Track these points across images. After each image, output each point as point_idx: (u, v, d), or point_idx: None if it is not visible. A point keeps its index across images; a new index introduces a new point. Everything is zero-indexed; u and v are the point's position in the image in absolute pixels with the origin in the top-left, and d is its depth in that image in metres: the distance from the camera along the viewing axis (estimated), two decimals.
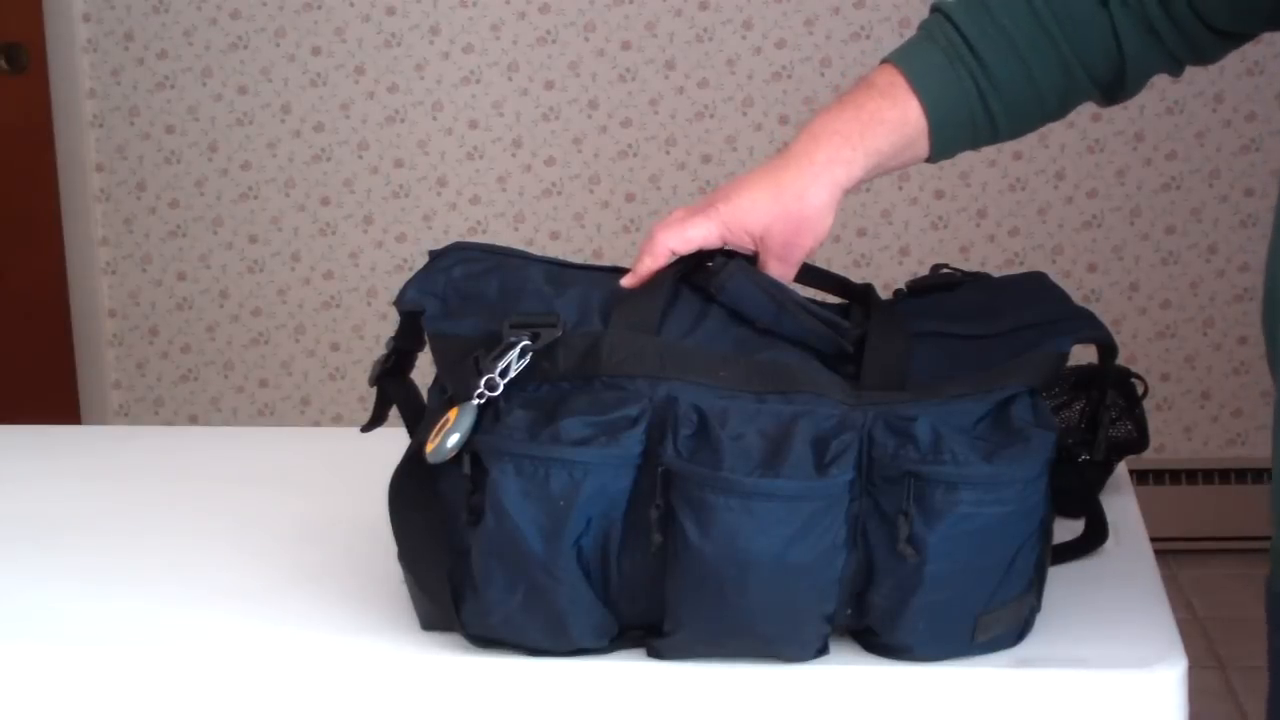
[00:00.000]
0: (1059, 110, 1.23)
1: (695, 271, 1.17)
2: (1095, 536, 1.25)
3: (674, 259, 1.16)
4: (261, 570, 1.29)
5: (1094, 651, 1.11)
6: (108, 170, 3.48)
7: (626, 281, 1.16)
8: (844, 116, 1.17)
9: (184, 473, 1.53)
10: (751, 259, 1.19)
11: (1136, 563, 1.25)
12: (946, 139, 1.19)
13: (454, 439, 1.07)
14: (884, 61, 1.20)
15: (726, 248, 1.18)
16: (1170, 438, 3.44)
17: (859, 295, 1.20)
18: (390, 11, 3.38)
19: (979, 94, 1.18)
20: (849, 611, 1.09)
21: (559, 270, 1.17)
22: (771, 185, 1.17)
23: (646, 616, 1.10)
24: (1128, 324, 3.40)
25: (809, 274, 1.23)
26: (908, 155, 1.19)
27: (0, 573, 1.30)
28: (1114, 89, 1.22)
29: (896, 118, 1.17)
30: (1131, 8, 1.18)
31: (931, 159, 1.21)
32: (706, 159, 3.39)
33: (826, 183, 1.16)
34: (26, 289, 3.53)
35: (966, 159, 3.35)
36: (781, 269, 1.18)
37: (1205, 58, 1.21)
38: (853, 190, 1.18)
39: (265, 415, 3.57)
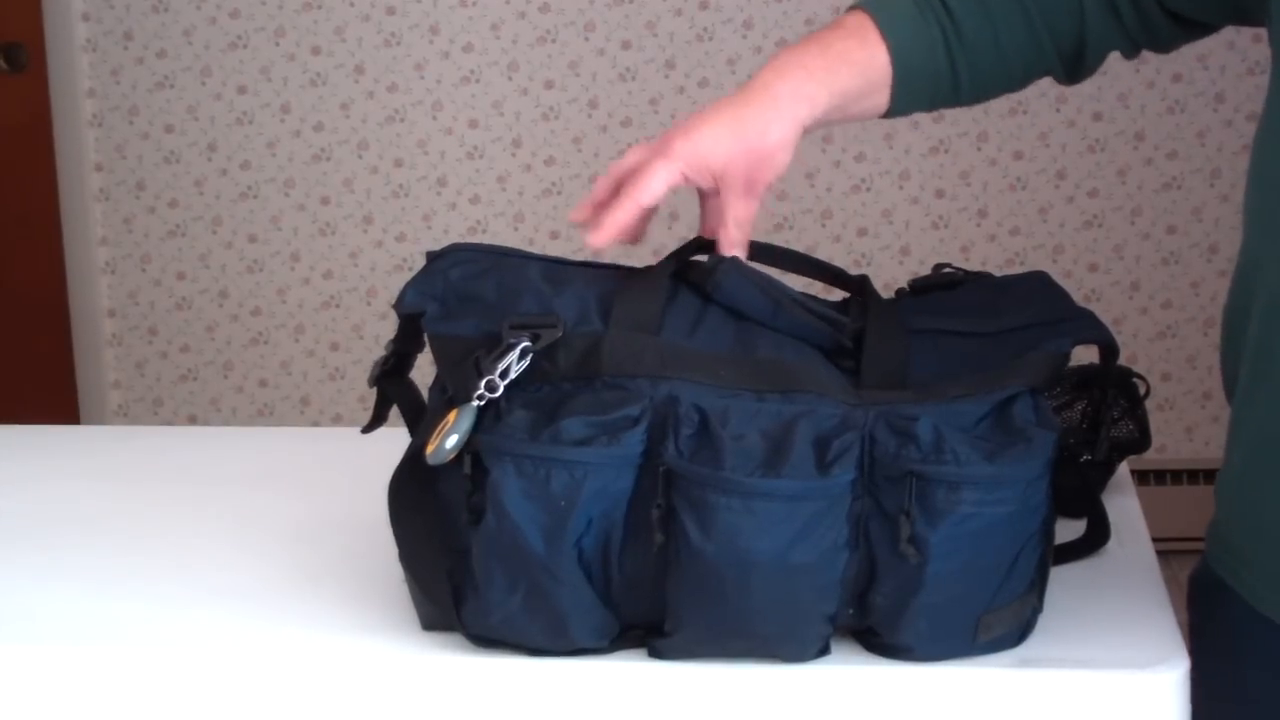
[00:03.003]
0: (1021, 79, 1.22)
1: (689, 268, 1.17)
2: (1097, 537, 1.25)
3: (643, 212, 1.15)
4: (261, 570, 1.28)
5: (1095, 652, 1.11)
6: (107, 170, 3.48)
7: (594, 240, 1.15)
8: (811, 52, 1.17)
9: (183, 473, 1.53)
10: (710, 195, 1.18)
11: (1138, 563, 1.25)
12: (908, 91, 1.19)
13: (454, 440, 1.07)
14: (853, 6, 1.20)
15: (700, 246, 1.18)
16: (1172, 438, 3.44)
17: (855, 286, 1.20)
18: (390, 11, 3.37)
19: (946, 49, 1.18)
20: (850, 611, 1.09)
21: (557, 268, 1.17)
22: (732, 120, 1.16)
23: (647, 616, 1.10)
24: (1129, 324, 3.40)
25: (804, 264, 1.23)
26: (869, 103, 1.18)
27: (0, 573, 1.30)
28: (1075, 65, 1.22)
29: (863, 59, 1.17)
30: None
31: (889, 112, 1.19)
32: None
33: (790, 118, 1.15)
34: (26, 288, 3.53)
35: (967, 159, 3.35)
36: (744, 206, 1.17)
37: (1161, 44, 1.21)
38: (812, 129, 1.17)
39: (265, 415, 3.57)
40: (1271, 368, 1.09)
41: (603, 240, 1.15)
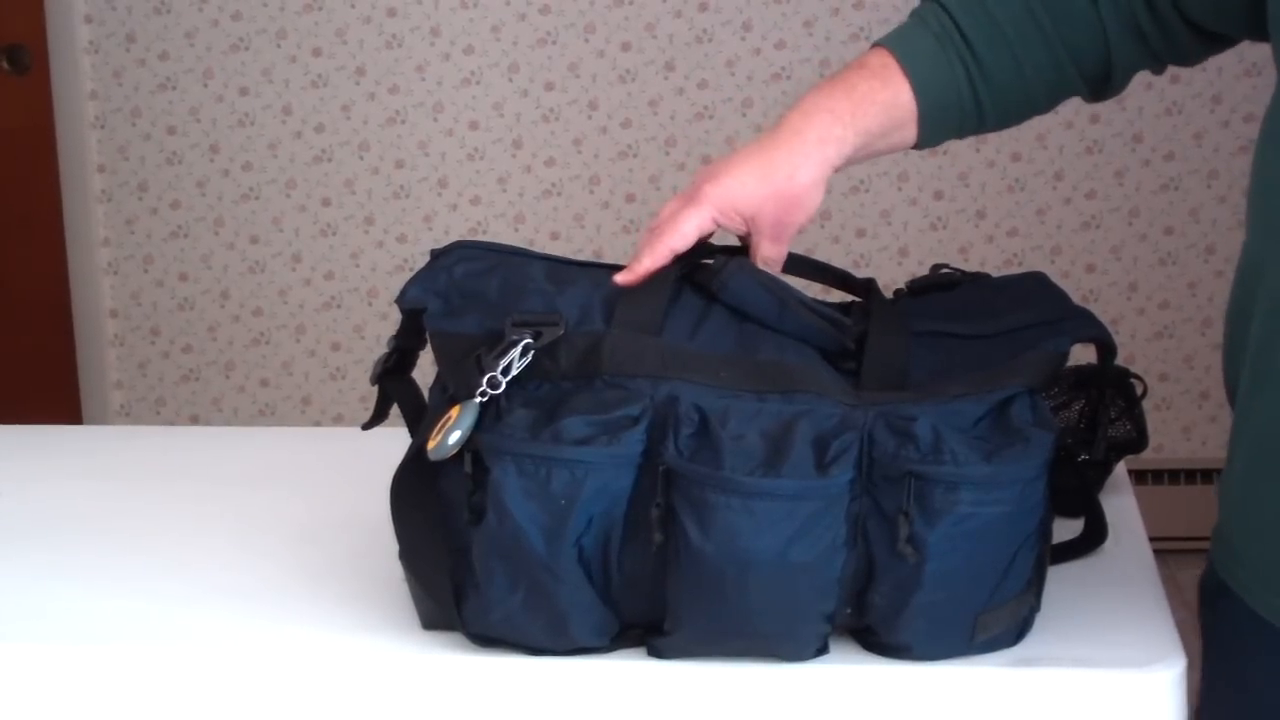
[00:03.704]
0: (1047, 104, 1.23)
1: (696, 270, 1.17)
2: (1094, 536, 1.25)
3: (673, 257, 1.16)
4: (262, 570, 1.29)
5: (1093, 651, 1.11)
6: (109, 171, 3.48)
7: (622, 279, 1.16)
8: (836, 95, 1.18)
9: (185, 473, 1.53)
10: (743, 239, 1.19)
11: (1135, 562, 1.25)
12: (934, 125, 1.20)
13: (455, 436, 1.07)
14: (876, 44, 1.21)
15: (723, 243, 1.18)
16: (1169, 437, 3.44)
17: (861, 289, 1.20)
18: (391, 13, 3.38)
19: (969, 82, 1.19)
20: (849, 611, 1.09)
21: (561, 268, 1.17)
22: (761, 165, 1.17)
23: (647, 615, 1.10)
24: (1126, 324, 3.40)
25: (811, 268, 1.23)
26: (896, 138, 1.19)
27: (1, 572, 1.31)
28: (1101, 85, 1.22)
29: (888, 99, 1.18)
30: (1120, 7, 1.18)
31: (919, 145, 1.21)
32: (706, 160, 3.39)
33: (817, 160, 1.16)
34: (28, 289, 3.53)
35: (966, 160, 3.36)
36: (774, 249, 1.18)
37: (1186, 59, 1.22)
38: (840, 169, 1.18)
39: (266, 415, 3.57)
40: (1272, 370, 1.09)
41: (632, 282, 1.15)
